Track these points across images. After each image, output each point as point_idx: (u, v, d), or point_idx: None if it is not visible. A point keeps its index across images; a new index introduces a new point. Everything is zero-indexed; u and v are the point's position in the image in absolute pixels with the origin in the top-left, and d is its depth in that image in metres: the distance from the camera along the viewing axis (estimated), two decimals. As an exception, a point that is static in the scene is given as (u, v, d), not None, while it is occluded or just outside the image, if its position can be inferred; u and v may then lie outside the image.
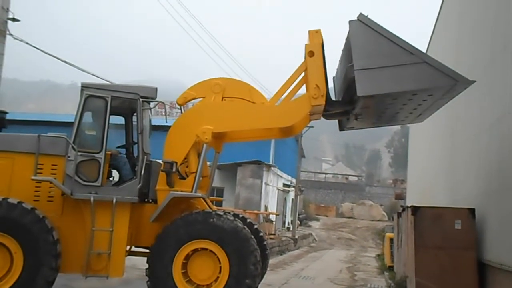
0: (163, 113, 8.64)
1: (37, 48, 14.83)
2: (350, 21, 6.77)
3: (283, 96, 7.70)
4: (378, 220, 49.98)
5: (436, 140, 15.18)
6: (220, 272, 6.87)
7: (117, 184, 7.51)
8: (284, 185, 32.10)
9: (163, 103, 8.21)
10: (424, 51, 7.58)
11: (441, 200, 12.59)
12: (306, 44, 7.45)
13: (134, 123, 8.27)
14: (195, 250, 6.97)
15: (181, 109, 8.37)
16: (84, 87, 7.33)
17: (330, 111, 7.77)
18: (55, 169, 7.11)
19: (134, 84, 7.96)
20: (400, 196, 38.38)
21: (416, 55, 6.61)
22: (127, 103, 7.70)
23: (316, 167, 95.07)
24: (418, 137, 20.97)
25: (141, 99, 7.43)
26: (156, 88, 7.69)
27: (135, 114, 7.76)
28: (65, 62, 15.70)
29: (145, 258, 7.08)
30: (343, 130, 8.92)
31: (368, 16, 6.76)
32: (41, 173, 7.01)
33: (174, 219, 7.02)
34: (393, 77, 6.56)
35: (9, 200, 6.47)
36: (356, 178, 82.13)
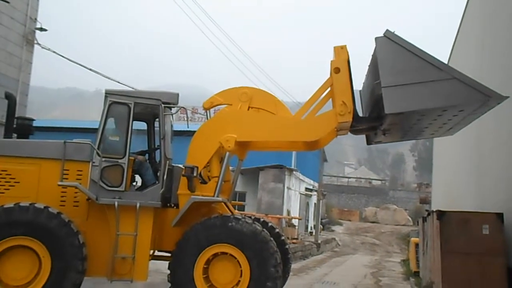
0: (185, 119, 8.70)
1: (63, 56, 15.26)
2: (376, 38, 6.64)
3: (309, 111, 7.68)
4: (403, 225, 49.14)
5: (462, 144, 14.86)
6: (241, 275, 6.88)
7: (140, 189, 7.62)
8: (307, 189, 31.93)
9: (185, 108, 8.28)
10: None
11: (468, 205, 12.30)
12: (331, 61, 7.38)
13: (156, 128, 8.38)
14: (215, 255, 6.99)
15: (206, 114, 8.44)
16: (108, 93, 7.46)
17: (357, 127, 7.70)
18: (80, 175, 7.24)
19: (156, 90, 8.07)
20: (425, 201, 37.73)
21: (445, 71, 6.43)
22: (150, 109, 7.80)
23: (338, 171, 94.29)
24: (444, 141, 20.57)
25: (163, 105, 7.51)
26: (178, 94, 7.77)
27: (157, 119, 7.86)
28: (90, 69, 16.09)
29: (168, 262, 7.14)
30: (370, 144, 8.82)
31: (395, 32, 6.61)
32: (66, 178, 7.15)
33: (193, 225, 7.07)
34: (422, 94, 6.40)
35: (36, 205, 6.62)
36: (379, 182, 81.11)
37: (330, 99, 7.57)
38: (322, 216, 38.56)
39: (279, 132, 7.65)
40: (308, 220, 33.49)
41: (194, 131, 7.84)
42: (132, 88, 13.96)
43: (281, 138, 7.82)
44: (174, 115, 8.06)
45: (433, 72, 6.42)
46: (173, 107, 7.71)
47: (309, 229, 32.97)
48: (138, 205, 7.10)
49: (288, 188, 25.96)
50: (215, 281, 7.00)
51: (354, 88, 7.41)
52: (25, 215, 6.48)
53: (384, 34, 6.62)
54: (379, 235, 42.48)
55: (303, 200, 30.93)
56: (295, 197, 28.09)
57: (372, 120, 7.64)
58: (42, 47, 14.37)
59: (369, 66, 7.57)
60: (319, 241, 26.28)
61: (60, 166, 7.09)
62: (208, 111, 8.34)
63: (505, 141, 9.29)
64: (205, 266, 6.95)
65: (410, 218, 50.94)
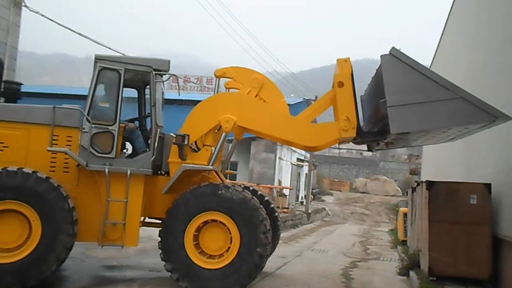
0: (177, 87, 8.62)
1: (52, 20, 14.80)
2: (382, 55, 6.51)
3: (310, 115, 7.76)
4: (392, 195, 49.91)
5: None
6: (231, 242, 6.97)
7: (131, 156, 7.58)
8: (298, 159, 32.10)
9: (176, 76, 8.16)
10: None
11: (457, 176, 12.45)
12: (335, 74, 7.32)
13: (147, 96, 8.28)
14: (205, 222, 7.06)
15: (217, 82, 8.42)
16: (98, 59, 7.32)
17: (360, 140, 7.69)
18: (70, 141, 7.18)
19: (148, 57, 7.92)
20: (415, 172, 38.05)
21: (452, 91, 6.33)
22: (140, 76, 7.70)
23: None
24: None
25: (154, 72, 7.40)
26: (169, 61, 7.64)
27: (148, 86, 7.76)
28: (79, 34, 15.66)
29: (159, 229, 7.19)
30: (371, 151, 8.84)
31: (401, 50, 6.49)
32: (56, 144, 7.09)
33: (183, 193, 7.10)
34: (428, 113, 6.33)
35: (24, 169, 6.58)
36: (370, 154, 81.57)
37: (331, 106, 7.60)
38: (313, 186, 38.92)
39: (281, 130, 7.63)
40: (299, 190, 33.83)
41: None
42: (123, 54, 13.69)
43: (281, 136, 7.78)
44: (165, 84, 7.96)
45: (439, 91, 6.32)
46: (164, 74, 7.60)
47: (299, 199, 33.35)
48: (128, 172, 7.09)
49: (280, 159, 26.07)
50: (206, 248, 7.08)
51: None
52: (13, 179, 6.45)
53: (389, 51, 6.47)
54: (368, 205, 43.16)
55: (295, 171, 31.14)
56: (286, 167, 28.25)
57: (376, 134, 7.60)
58: (30, 10, 13.94)
59: (373, 78, 7.48)
60: (310, 211, 26.62)
61: (49, 132, 7.01)
62: (217, 80, 8.33)
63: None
64: (195, 234, 7.02)
65: (399, 189, 51.67)
